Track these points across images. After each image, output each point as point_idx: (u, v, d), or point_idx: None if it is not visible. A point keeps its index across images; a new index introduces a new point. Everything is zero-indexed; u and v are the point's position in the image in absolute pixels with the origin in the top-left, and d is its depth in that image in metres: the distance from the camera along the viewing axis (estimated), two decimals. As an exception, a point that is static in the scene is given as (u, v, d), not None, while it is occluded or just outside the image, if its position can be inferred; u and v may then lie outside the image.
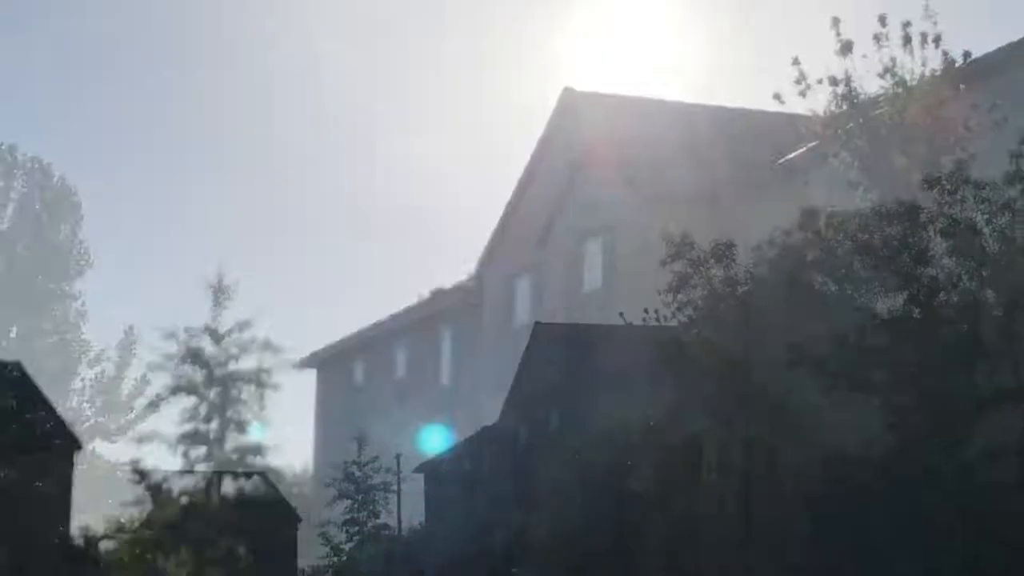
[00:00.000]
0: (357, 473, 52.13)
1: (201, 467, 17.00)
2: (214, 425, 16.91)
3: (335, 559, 51.03)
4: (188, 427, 16.96)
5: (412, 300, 53.88)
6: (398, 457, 41.14)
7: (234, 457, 16.91)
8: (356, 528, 53.67)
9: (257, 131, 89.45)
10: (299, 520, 44.04)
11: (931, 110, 25.14)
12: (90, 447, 58.23)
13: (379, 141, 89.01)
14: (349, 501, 51.85)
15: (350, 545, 51.60)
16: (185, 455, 17.15)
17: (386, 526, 52.50)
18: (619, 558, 17.45)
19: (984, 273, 15.77)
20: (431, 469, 36.99)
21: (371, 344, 56.57)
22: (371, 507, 52.00)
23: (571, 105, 41.26)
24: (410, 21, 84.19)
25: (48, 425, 23.68)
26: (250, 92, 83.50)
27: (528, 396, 24.13)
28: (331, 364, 60.51)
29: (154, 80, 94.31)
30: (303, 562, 41.66)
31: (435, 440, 41.33)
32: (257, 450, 16.96)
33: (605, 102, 40.83)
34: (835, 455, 15.01)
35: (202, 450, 16.96)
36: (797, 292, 16.06)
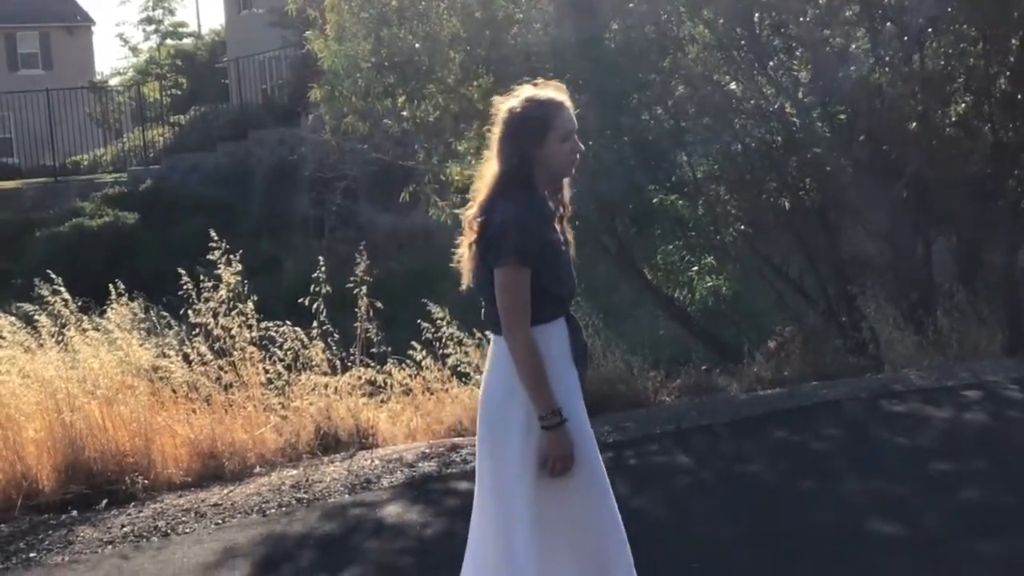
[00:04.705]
0: None
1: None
2: None
3: (133, 62, 51.12)
4: None
5: None
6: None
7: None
8: (153, 26, 53.91)
9: None
10: (92, 22, 46.09)
11: None
12: None
13: None
14: (143, 0, 52.44)
15: (147, 46, 52.02)
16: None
17: (184, 24, 53.16)
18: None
19: None
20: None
21: None
22: (166, 5, 52.55)
23: None
24: None
25: None
26: None
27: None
28: None
29: None
30: (101, 66, 42.84)
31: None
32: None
33: None
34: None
35: None
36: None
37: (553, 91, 4.38)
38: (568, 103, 4.38)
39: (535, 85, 4.42)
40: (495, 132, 4.36)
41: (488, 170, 4.35)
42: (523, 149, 4.26)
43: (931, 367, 10.72)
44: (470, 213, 4.35)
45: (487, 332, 4.38)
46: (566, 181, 4.44)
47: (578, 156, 4.38)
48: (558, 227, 4.40)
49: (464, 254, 4.39)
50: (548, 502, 4.20)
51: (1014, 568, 5.83)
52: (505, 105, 4.35)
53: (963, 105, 12.46)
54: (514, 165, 4.26)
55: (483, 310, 4.35)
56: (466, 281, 4.41)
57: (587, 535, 4.28)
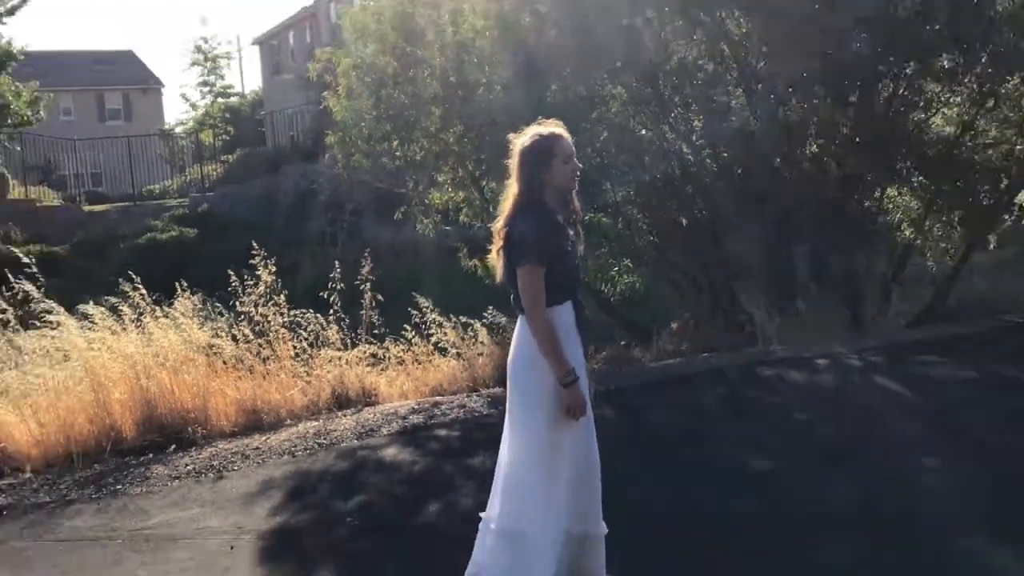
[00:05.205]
0: (204, 45, 54.79)
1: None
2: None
3: (193, 115, 52.22)
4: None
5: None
6: (238, 38, 43.83)
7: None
8: (207, 87, 54.96)
9: None
10: (162, 85, 48.42)
11: None
12: None
13: None
14: (200, 68, 53.95)
15: (203, 103, 53.32)
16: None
17: (231, 86, 55.21)
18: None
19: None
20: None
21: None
22: (218, 72, 54.01)
23: None
24: None
25: None
26: None
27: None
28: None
29: None
30: (168, 118, 44.84)
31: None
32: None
33: None
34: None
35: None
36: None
37: (553, 126, 4.36)
38: (566, 134, 4.36)
39: (540, 124, 4.40)
40: (513, 163, 4.34)
41: (510, 192, 4.34)
42: (534, 173, 4.25)
43: (791, 342, 10.81)
44: (498, 225, 4.34)
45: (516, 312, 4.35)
46: (573, 193, 4.40)
47: (578, 173, 4.36)
48: (570, 231, 4.38)
49: (494, 256, 4.36)
50: (555, 440, 4.22)
51: (856, 491, 5.90)
52: (518, 141, 4.34)
53: (815, 147, 12.52)
54: (529, 187, 4.26)
55: (512, 296, 4.34)
56: (499, 277, 4.39)
57: (580, 464, 4.31)
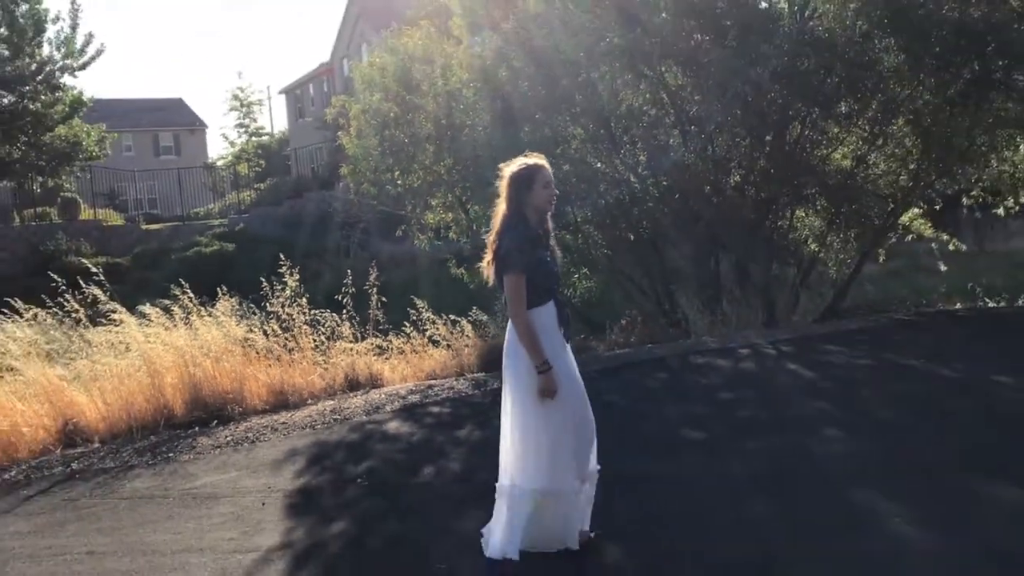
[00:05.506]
0: (240, 94, 56.06)
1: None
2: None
3: (231, 151, 52.56)
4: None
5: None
6: (268, 88, 43.61)
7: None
8: (243, 128, 55.77)
9: None
10: (205, 126, 49.53)
11: None
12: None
13: None
14: (237, 113, 54.80)
15: (240, 141, 54.57)
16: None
17: (263, 127, 56.71)
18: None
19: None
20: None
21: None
22: (252, 115, 54.69)
23: None
24: None
25: None
26: None
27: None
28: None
29: None
30: (211, 153, 46.12)
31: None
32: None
33: None
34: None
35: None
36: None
37: (536, 158, 4.34)
38: (546, 165, 4.33)
39: (526, 156, 4.37)
40: (502, 185, 4.31)
41: (500, 210, 4.32)
42: (519, 195, 4.23)
43: (719, 335, 10.83)
44: (490, 238, 4.32)
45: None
46: (548, 215, 4.37)
47: (554, 197, 4.34)
48: (551, 244, 4.38)
49: (486, 264, 4.33)
50: (540, 411, 4.21)
51: (772, 458, 5.91)
52: (508, 169, 4.31)
53: (737, 177, 12.56)
54: (515, 206, 4.24)
55: (502, 297, 4.31)
56: (490, 281, 4.35)
57: (571, 424, 4.31)
